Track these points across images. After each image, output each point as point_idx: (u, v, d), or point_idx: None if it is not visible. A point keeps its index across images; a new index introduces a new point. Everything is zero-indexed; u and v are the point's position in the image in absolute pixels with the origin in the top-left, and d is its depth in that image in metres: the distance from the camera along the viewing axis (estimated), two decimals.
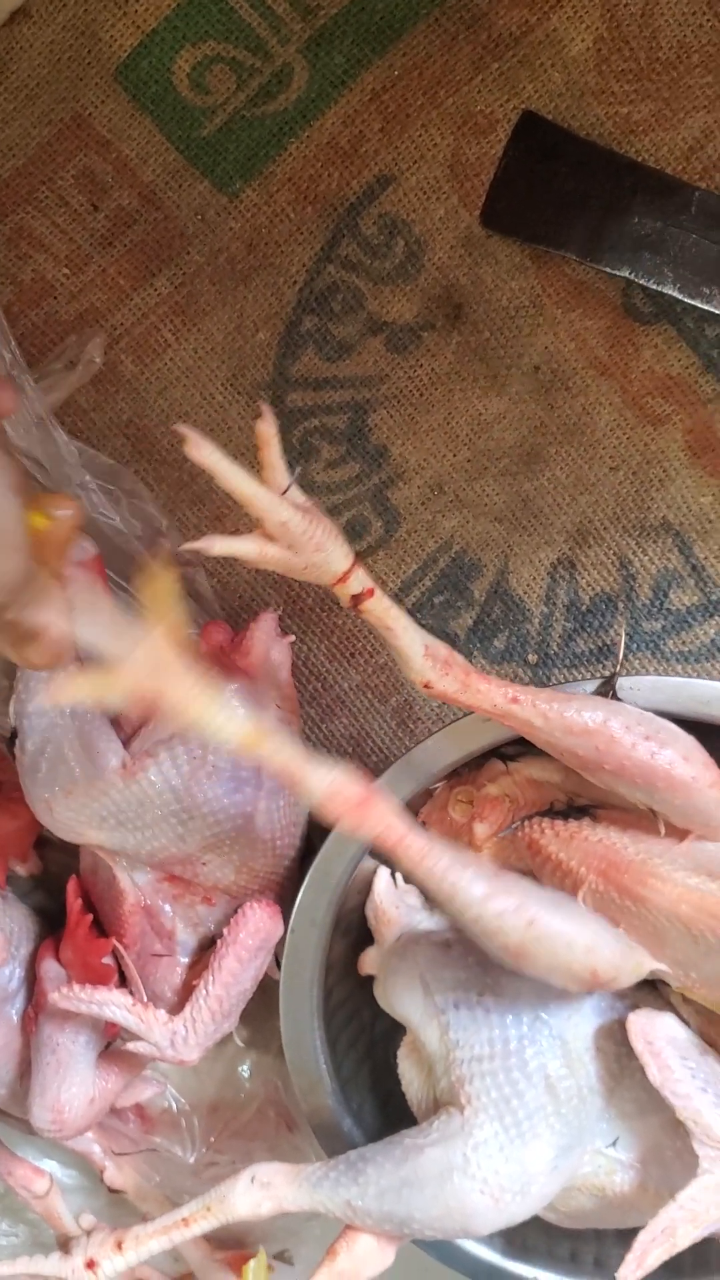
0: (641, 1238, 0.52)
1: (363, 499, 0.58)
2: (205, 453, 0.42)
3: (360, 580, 0.45)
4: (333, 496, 0.58)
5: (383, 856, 0.54)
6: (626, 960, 0.49)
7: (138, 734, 0.56)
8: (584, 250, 0.53)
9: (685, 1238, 0.52)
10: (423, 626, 0.47)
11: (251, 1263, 0.57)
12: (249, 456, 0.46)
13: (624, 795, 0.51)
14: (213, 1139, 0.65)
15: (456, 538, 0.59)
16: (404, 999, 0.56)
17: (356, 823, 0.45)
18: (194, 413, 0.58)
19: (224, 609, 0.60)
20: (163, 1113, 0.66)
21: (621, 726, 0.49)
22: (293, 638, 0.56)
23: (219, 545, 0.43)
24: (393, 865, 0.48)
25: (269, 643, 0.56)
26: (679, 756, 0.49)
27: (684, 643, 0.59)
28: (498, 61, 0.53)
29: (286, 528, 0.43)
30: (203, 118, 0.55)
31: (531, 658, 0.60)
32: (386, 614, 0.47)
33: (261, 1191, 0.55)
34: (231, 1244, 0.69)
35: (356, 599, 0.46)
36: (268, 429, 0.43)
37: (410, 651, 0.48)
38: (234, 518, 0.59)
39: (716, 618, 0.59)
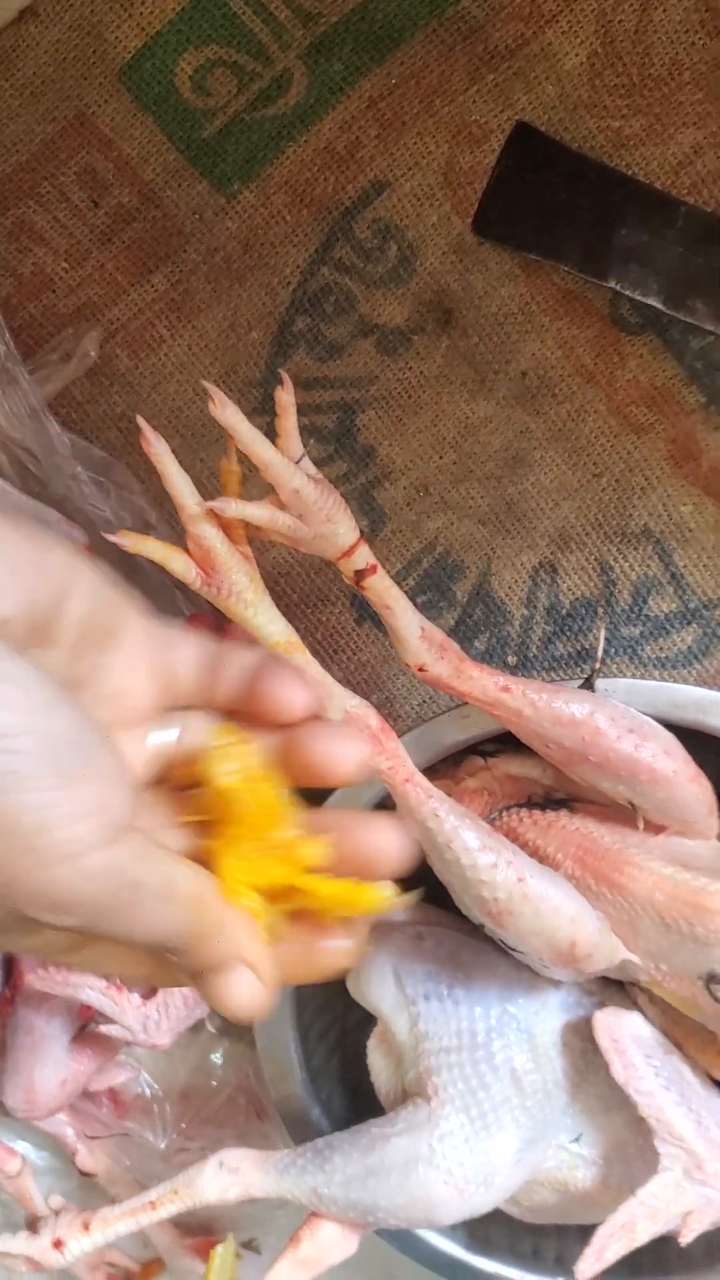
0: (601, 1232, 0.52)
1: (349, 498, 0.59)
2: (229, 413, 0.43)
3: (364, 556, 0.47)
4: None
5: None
6: (604, 941, 0.50)
7: None
8: (573, 260, 0.54)
9: (644, 1233, 0.53)
10: None
11: (219, 1248, 0.57)
12: (240, 456, 0.47)
13: (605, 789, 0.52)
14: (184, 1125, 0.66)
15: (440, 539, 0.60)
16: (375, 989, 0.57)
17: (370, 752, 0.46)
18: (186, 408, 0.59)
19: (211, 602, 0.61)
20: (136, 1098, 0.67)
21: (607, 719, 0.50)
22: None
23: (234, 507, 0.44)
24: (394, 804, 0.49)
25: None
26: (661, 751, 0.50)
27: (661, 649, 0.60)
28: (493, 73, 0.54)
29: (299, 496, 0.44)
30: (203, 119, 0.56)
31: (511, 660, 0.61)
32: (387, 593, 0.48)
33: (229, 1177, 0.56)
34: (199, 1231, 0.69)
35: (360, 574, 0.47)
36: (286, 397, 0.45)
37: (407, 633, 0.49)
38: None
39: (694, 625, 0.60)
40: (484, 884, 0.49)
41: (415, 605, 0.59)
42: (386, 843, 0.33)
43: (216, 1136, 0.65)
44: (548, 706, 0.50)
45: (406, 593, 0.60)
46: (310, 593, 0.61)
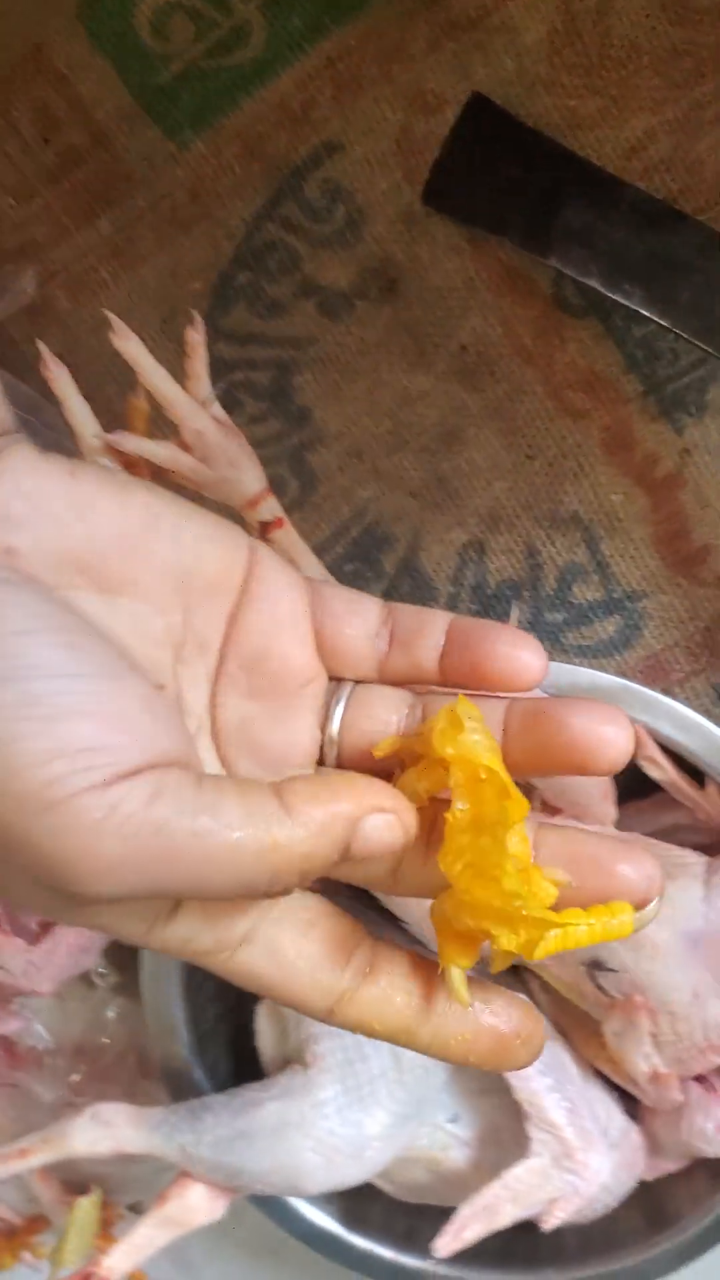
0: (462, 1211, 0.52)
1: (281, 458, 0.59)
2: (130, 345, 0.43)
3: (271, 508, 0.46)
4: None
5: None
6: None
7: None
8: (516, 236, 0.54)
9: (506, 1216, 0.52)
10: None
11: (81, 1200, 0.57)
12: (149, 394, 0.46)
13: None
14: (74, 1079, 0.66)
15: (371, 508, 0.59)
16: None
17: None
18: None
19: None
20: (28, 1050, 0.66)
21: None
22: None
23: (131, 442, 0.44)
24: None
25: None
26: None
27: (584, 636, 0.60)
28: (453, 42, 0.54)
29: (202, 437, 0.44)
30: (160, 65, 0.55)
31: None
32: (294, 548, 0.47)
33: (101, 1129, 0.56)
34: (85, 1190, 0.69)
35: (265, 526, 0.46)
36: (196, 337, 0.44)
37: None
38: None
39: (616, 615, 0.59)
40: None
41: (342, 574, 0.59)
42: (635, 872, 0.29)
43: (103, 1093, 0.64)
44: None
45: (334, 560, 0.60)
46: None
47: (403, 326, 0.57)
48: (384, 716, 0.30)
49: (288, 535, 0.47)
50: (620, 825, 0.53)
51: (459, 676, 0.29)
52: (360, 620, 0.30)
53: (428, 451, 0.58)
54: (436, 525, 0.59)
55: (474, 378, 0.57)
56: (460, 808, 0.27)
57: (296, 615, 0.30)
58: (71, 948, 0.55)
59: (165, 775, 0.25)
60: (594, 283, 0.53)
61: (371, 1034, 0.29)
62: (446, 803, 0.28)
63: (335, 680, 0.31)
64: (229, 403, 0.58)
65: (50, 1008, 0.66)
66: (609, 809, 0.53)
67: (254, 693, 0.30)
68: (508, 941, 0.27)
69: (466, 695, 0.28)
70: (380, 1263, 0.59)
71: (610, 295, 0.53)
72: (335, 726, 0.30)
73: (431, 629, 0.30)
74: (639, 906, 0.29)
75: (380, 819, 0.27)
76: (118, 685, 0.26)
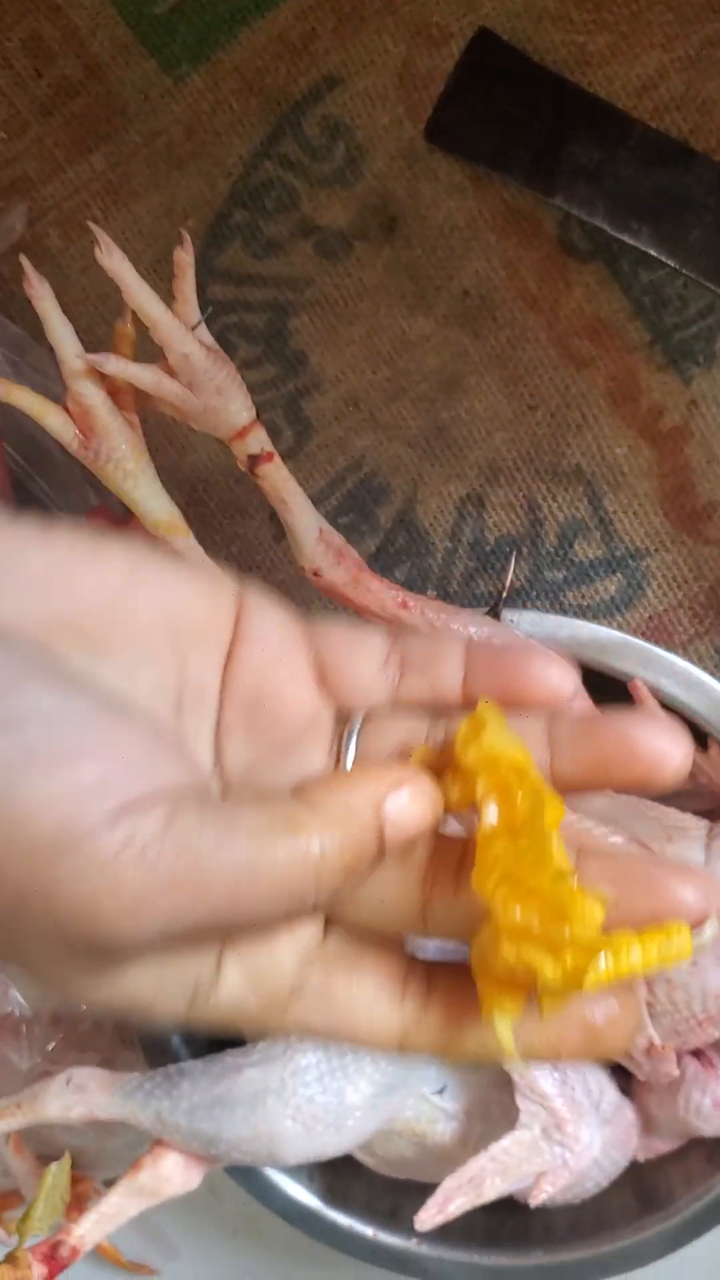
0: (447, 1183, 0.50)
1: (276, 404, 0.57)
2: (115, 260, 0.41)
3: (260, 440, 0.44)
4: None
5: None
6: None
7: None
8: (521, 173, 0.52)
9: (492, 1190, 0.50)
10: None
11: (52, 1166, 0.55)
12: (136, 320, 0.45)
13: None
14: (51, 1048, 0.64)
15: (368, 458, 0.57)
16: None
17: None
18: (116, 293, 0.56)
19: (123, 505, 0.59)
20: (4, 1017, 0.64)
21: (503, 643, 0.48)
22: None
23: (114, 364, 0.42)
24: None
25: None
26: None
27: (584, 595, 0.58)
28: None
29: (189, 361, 0.42)
30: None
31: (431, 594, 0.58)
32: (284, 485, 0.46)
33: (75, 1095, 0.54)
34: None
35: (254, 460, 0.44)
36: (185, 258, 0.43)
37: (303, 532, 0.47)
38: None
39: (618, 574, 0.57)
40: None
41: (337, 528, 0.57)
42: (690, 889, 0.27)
43: (79, 1061, 0.62)
44: (445, 627, 0.48)
45: (328, 513, 0.58)
46: (229, 503, 0.59)
47: (403, 268, 0.55)
48: (403, 740, 0.28)
49: (277, 471, 0.45)
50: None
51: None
52: (365, 651, 0.29)
53: (427, 400, 0.57)
54: (434, 477, 0.57)
55: (476, 322, 0.56)
56: (490, 819, 0.26)
57: (289, 651, 0.29)
58: None
59: (178, 800, 0.24)
60: (600, 222, 0.51)
61: (455, 1058, 0.28)
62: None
63: (348, 713, 0.29)
64: (223, 346, 0.56)
65: (25, 974, 0.64)
66: None
67: (256, 736, 0.29)
68: (553, 971, 0.25)
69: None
70: (362, 1240, 0.57)
71: (617, 235, 0.51)
72: (350, 757, 0.28)
73: (449, 652, 0.29)
74: (695, 926, 0.26)
75: (405, 792, 0.26)
76: (117, 722, 0.25)
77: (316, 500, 0.58)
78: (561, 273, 0.54)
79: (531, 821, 0.25)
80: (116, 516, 0.56)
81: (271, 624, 0.29)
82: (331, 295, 0.56)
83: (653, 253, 0.50)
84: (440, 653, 0.29)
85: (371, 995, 0.28)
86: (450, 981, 0.28)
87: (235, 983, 0.27)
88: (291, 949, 0.28)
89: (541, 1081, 0.50)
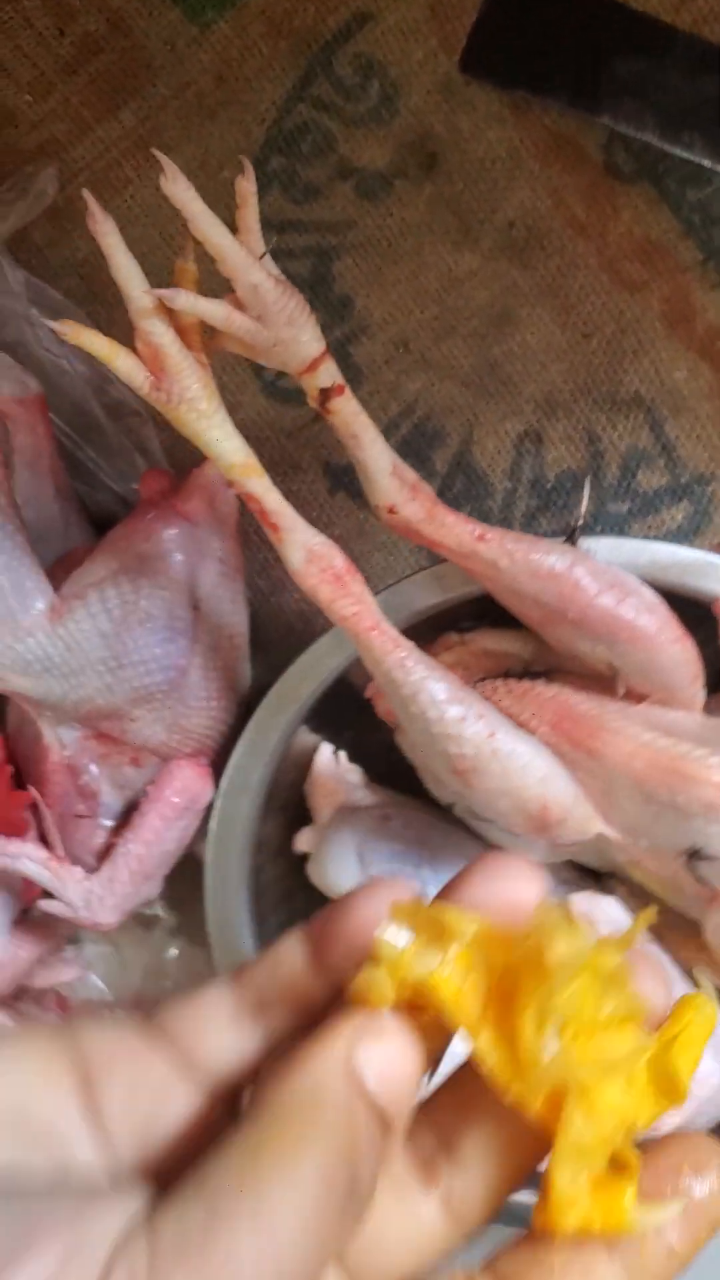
0: None
1: None
2: (179, 188, 0.40)
3: (331, 373, 0.43)
4: None
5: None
6: (578, 807, 0.47)
7: (69, 578, 0.53)
8: (564, 94, 0.51)
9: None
10: None
11: None
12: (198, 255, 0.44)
13: (585, 652, 0.48)
14: None
15: (420, 402, 0.56)
16: (338, 873, 0.53)
17: (331, 596, 0.43)
18: (153, 253, 0.55)
19: (172, 468, 0.58)
20: (84, 1003, 0.63)
21: (587, 574, 0.47)
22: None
23: (184, 298, 0.41)
24: (359, 652, 0.46)
25: (213, 490, 0.53)
26: (643, 608, 0.47)
27: (650, 527, 0.57)
28: None
29: (258, 292, 0.41)
30: None
31: None
32: (355, 419, 0.44)
33: None
34: None
35: (325, 394, 0.43)
36: (247, 186, 0.41)
37: (376, 468, 0.45)
38: None
39: (685, 501, 0.56)
40: (451, 739, 0.46)
41: None
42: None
43: None
44: (525, 558, 0.47)
45: None
46: (281, 458, 0.58)
47: (445, 204, 0.54)
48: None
49: (348, 404, 0.44)
50: (709, 710, 0.50)
51: None
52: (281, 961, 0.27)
53: (477, 336, 0.55)
54: (490, 416, 0.56)
55: (523, 254, 0.54)
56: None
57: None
58: (134, 874, 0.52)
59: None
60: (650, 136, 0.50)
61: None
62: None
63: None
64: None
65: (106, 957, 0.63)
66: (698, 693, 0.49)
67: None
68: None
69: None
70: None
71: (669, 149, 0.50)
72: None
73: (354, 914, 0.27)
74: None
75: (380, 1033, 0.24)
76: None
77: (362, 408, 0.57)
78: (608, 196, 0.53)
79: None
80: (171, 479, 0.55)
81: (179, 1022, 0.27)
82: (374, 236, 0.55)
83: (706, 163, 0.49)
84: (285, 960, 0.27)
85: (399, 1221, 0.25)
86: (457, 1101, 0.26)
87: None
88: None
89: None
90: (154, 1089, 0.25)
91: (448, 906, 0.25)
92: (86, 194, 0.40)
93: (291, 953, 0.27)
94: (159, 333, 0.41)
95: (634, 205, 0.53)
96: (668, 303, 0.54)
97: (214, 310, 0.41)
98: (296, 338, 0.42)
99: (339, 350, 0.56)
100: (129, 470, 0.58)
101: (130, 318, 0.41)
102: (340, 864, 0.53)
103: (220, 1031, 0.26)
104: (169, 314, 0.42)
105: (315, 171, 0.54)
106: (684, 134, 0.50)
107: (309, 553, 0.45)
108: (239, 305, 0.42)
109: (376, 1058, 0.23)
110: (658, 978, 0.27)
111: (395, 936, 0.25)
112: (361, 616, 0.46)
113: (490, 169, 0.54)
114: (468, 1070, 0.27)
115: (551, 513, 0.57)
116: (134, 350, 0.42)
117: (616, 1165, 0.24)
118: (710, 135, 0.49)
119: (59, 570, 0.54)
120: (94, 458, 0.58)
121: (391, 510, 0.47)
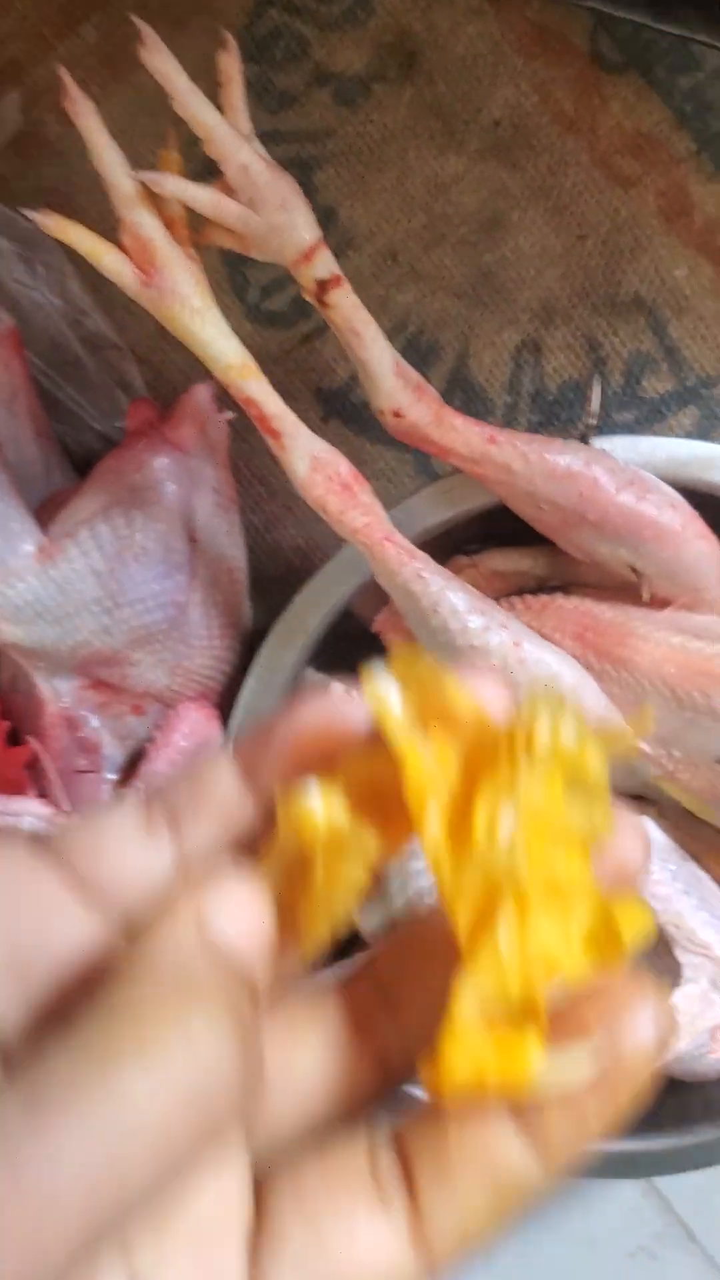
0: None
1: None
2: (161, 59, 0.38)
3: (328, 263, 0.41)
4: (274, 269, 0.53)
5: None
6: (609, 719, 0.45)
7: (56, 518, 0.50)
8: None
9: (669, 1051, 0.47)
10: None
11: None
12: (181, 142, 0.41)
13: (606, 555, 0.46)
14: None
15: (413, 316, 0.54)
16: None
17: (340, 506, 0.41)
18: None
19: (156, 400, 0.55)
20: None
21: (605, 471, 0.44)
22: (231, 415, 0.51)
23: (171, 183, 0.38)
24: (371, 565, 0.43)
25: (203, 416, 0.51)
26: (666, 504, 0.44)
27: (659, 434, 0.54)
28: None
29: (248, 174, 0.38)
30: None
31: None
32: (355, 314, 0.42)
33: None
34: None
35: (323, 287, 0.41)
36: (231, 62, 0.39)
37: (379, 367, 0.43)
38: None
39: (692, 406, 0.54)
40: (476, 650, 0.44)
41: None
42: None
43: None
44: (540, 459, 0.45)
45: None
46: (272, 385, 0.55)
47: (427, 106, 0.52)
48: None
49: (347, 297, 0.42)
50: None
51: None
52: (114, 833, 0.23)
53: (468, 244, 0.53)
54: (486, 327, 0.54)
55: (511, 154, 0.52)
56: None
57: (30, 885, 0.22)
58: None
59: None
60: (640, 16, 0.48)
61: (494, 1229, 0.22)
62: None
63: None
64: None
65: None
66: None
67: (26, 991, 0.22)
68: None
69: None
70: None
71: (662, 28, 0.48)
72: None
73: (212, 770, 0.24)
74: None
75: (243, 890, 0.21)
76: None
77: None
78: (596, 88, 0.51)
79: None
80: (157, 410, 0.52)
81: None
82: (355, 144, 0.53)
83: (702, 38, 0.47)
84: (210, 777, 0.23)
85: (343, 1231, 0.21)
86: (431, 1146, 0.21)
87: None
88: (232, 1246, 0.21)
89: (700, 931, 0.47)
90: (39, 912, 0.22)
91: (449, 677, 0.22)
92: (63, 73, 0.37)
93: (217, 768, 0.23)
94: (146, 224, 0.39)
95: (623, 96, 0.51)
96: (664, 197, 0.52)
97: (203, 196, 0.39)
98: (290, 223, 0.40)
99: None
100: (111, 408, 0.55)
101: (114, 209, 0.39)
102: None
103: (124, 851, 0.23)
104: (156, 207, 0.39)
105: (290, 79, 0.52)
106: (676, 9, 0.48)
107: (314, 460, 0.43)
108: (228, 191, 0.39)
109: (228, 910, 0.21)
110: (637, 840, 0.23)
111: (386, 688, 0.22)
112: (373, 527, 0.43)
113: (472, 66, 0.52)
114: (414, 923, 0.25)
115: (555, 426, 0.55)
116: (120, 247, 0.39)
117: (524, 1015, 0.21)
118: (707, 8, 0.47)
119: (43, 515, 0.51)
120: (73, 396, 0.55)
121: (397, 414, 0.44)
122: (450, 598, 0.44)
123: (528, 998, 0.20)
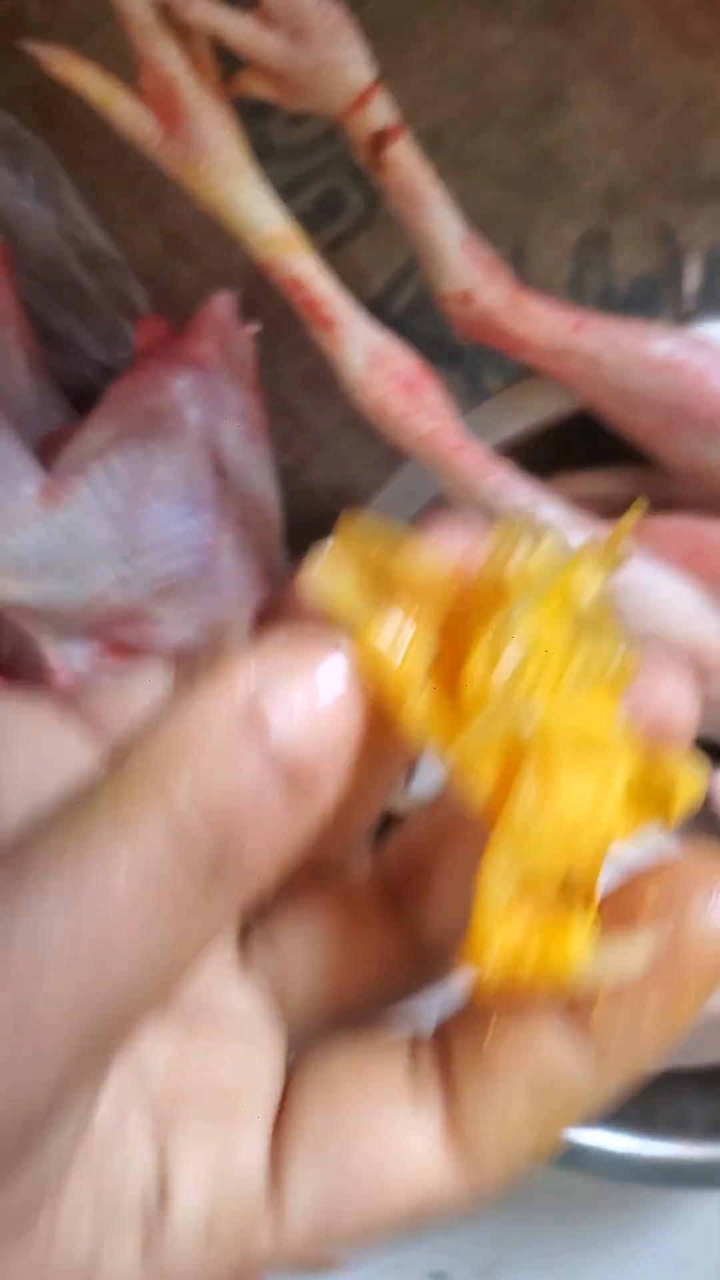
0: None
1: (336, 166, 0.47)
2: None
3: (384, 111, 0.34)
4: (297, 164, 0.47)
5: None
6: None
7: (61, 454, 0.43)
8: None
9: None
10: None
11: None
12: None
13: (711, 462, 0.39)
14: None
15: (460, 209, 0.47)
16: None
17: (404, 410, 0.34)
18: (126, 62, 0.46)
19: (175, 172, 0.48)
20: None
21: (711, 359, 0.38)
22: (256, 328, 0.44)
23: (199, 7, 0.31)
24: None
25: (226, 330, 0.43)
26: None
27: None
28: None
29: (291, 1, 0.32)
30: None
31: None
32: (418, 174, 0.35)
33: None
34: None
35: (379, 140, 0.34)
36: None
37: (445, 239, 0.36)
38: (173, 203, 0.47)
39: None
40: None
41: (429, 307, 0.47)
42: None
43: None
44: (635, 346, 0.38)
45: (419, 289, 0.48)
46: (288, 308, 0.48)
47: None
48: None
49: (409, 155, 0.35)
50: None
51: None
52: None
53: (521, 124, 0.46)
54: (544, 220, 0.47)
55: (567, 19, 0.45)
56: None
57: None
58: None
59: None
60: None
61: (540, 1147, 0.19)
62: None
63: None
64: (260, 103, 0.46)
65: None
66: None
67: None
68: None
69: None
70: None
71: None
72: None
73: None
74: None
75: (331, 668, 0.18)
76: None
77: (401, 278, 0.48)
78: None
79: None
80: (168, 325, 0.45)
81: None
82: (388, 14, 0.46)
83: None
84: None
85: (366, 1128, 0.19)
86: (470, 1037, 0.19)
87: (193, 1190, 0.19)
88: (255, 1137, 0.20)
89: None
90: (63, 765, 0.20)
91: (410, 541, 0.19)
92: None
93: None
94: (171, 61, 0.32)
95: None
96: None
97: (238, 26, 0.32)
98: (342, 59, 0.33)
99: (354, 159, 0.47)
100: (112, 335, 0.48)
101: (134, 42, 0.32)
102: None
103: (147, 705, 0.21)
104: (182, 42, 0.32)
105: None
106: None
107: (373, 354, 0.36)
108: (269, 21, 0.32)
109: (292, 703, 0.16)
110: (678, 684, 0.20)
111: (326, 572, 0.18)
112: (443, 434, 0.36)
113: None
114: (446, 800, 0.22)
115: None
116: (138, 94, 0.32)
117: (570, 895, 0.18)
118: None
119: (42, 457, 0.44)
120: (69, 322, 0.48)
121: (466, 300, 0.37)
122: (543, 511, 0.37)
123: (570, 873, 0.18)
